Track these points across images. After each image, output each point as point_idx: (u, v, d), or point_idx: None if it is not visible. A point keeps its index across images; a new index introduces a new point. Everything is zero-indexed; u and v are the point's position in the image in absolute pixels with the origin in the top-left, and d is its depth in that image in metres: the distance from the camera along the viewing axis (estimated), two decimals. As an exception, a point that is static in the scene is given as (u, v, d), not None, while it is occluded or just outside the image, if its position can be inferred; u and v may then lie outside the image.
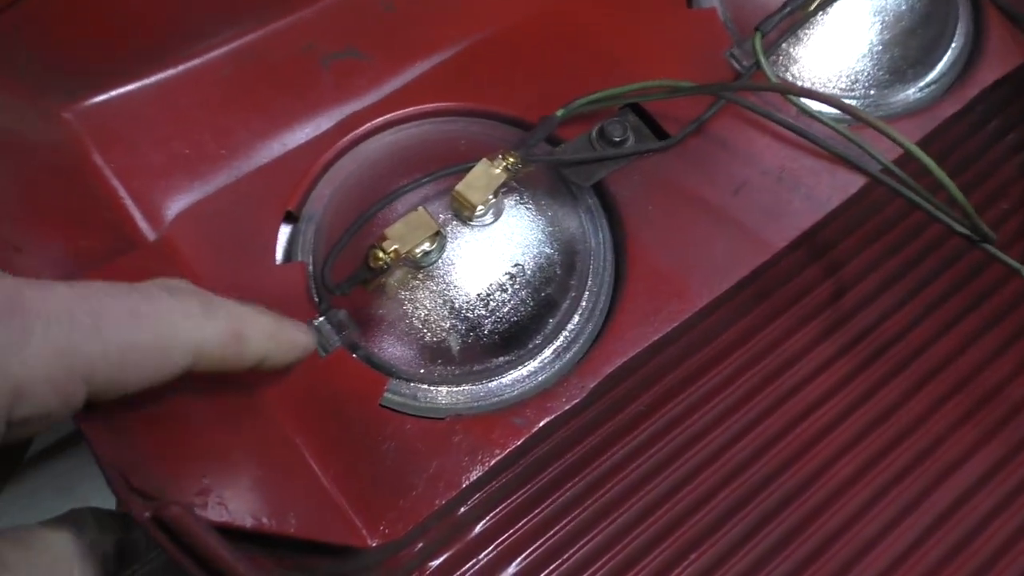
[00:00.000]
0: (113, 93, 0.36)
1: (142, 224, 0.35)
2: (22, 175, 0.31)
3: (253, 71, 0.38)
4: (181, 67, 0.37)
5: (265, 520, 0.27)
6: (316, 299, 0.33)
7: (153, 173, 0.35)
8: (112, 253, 0.32)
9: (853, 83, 0.38)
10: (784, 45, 0.38)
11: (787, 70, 0.38)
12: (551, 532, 0.38)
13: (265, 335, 0.26)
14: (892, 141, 0.28)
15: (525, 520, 0.39)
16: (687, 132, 0.36)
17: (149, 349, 0.22)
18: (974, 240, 0.31)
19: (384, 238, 0.31)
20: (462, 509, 0.39)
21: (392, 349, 0.32)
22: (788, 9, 0.36)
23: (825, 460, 0.38)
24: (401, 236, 0.31)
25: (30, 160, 0.32)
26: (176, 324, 0.23)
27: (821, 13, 0.38)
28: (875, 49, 0.38)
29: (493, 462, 0.31)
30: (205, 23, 0.38)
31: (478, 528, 0.38)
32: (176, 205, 0.35)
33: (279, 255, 0.35)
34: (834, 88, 0.38)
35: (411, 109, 0.37)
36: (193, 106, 0.37)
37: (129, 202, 0.35)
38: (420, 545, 0.37)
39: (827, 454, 0.38)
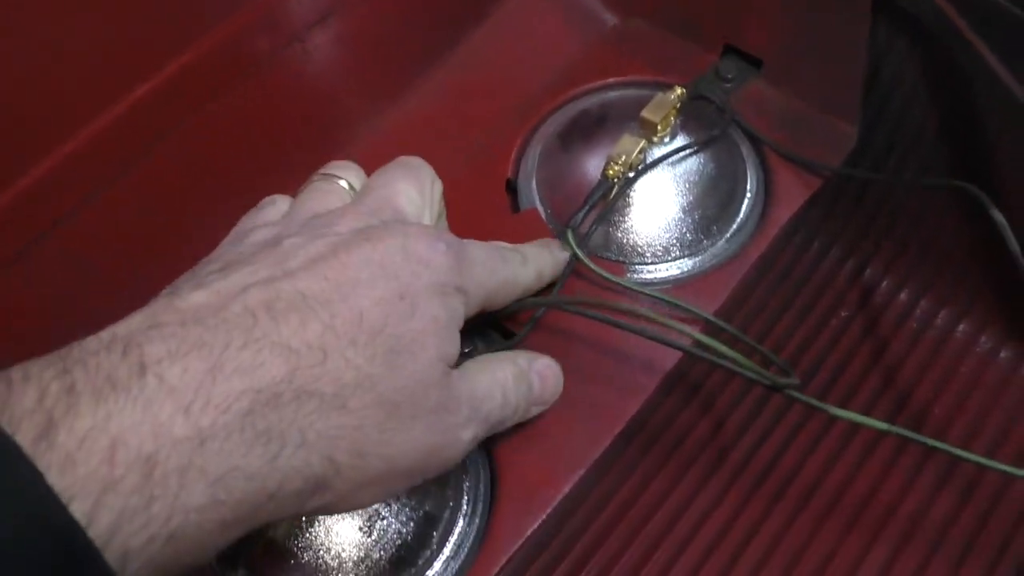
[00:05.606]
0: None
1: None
2: None
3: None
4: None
5: None
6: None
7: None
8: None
9: (667, 249, 0.43)
10: (600, 229, 0.43)
11: (607, 250, 0.43)
12: None
13: (551, 268, 0.39)
14: (679, 332, 0.33)
15: None
16: (524, 333, 0.40)
17: (507, 286, 0.36)
18: (780, 388, 0.34)
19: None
20: None
21: (294, 597, 0.35)
22: (588, 205, 0.41)
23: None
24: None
25: None
26: (517, 272, 0.36)
27: (625, 197, 0.43)
28: (678, 216, 0.43)
29: None
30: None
31: None
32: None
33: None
34: (651, 257, 0.43)
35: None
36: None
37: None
38: None
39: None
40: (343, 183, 0.35)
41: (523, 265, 0.37)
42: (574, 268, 0.41)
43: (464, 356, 0.36)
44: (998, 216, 0.39)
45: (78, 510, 0.20)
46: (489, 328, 0.41)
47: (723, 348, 0.32)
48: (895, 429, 0.35)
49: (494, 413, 0.33)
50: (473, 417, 0.32)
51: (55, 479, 0.20)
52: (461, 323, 0.31)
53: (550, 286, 0.40)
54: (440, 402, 0.29)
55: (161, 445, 0.22)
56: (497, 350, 0.39)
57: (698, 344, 0.34)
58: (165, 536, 0.22)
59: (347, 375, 0.26)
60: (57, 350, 0.24)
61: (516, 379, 0.35)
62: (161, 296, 0.27)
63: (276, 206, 0.35)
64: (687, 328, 0.34)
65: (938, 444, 0.35)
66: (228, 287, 0.27)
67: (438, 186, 0.36)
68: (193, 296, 0.26)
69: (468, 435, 0.31)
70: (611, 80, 0.50)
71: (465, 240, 0.34)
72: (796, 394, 0.34)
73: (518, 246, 0.38)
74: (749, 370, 0.33)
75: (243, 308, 0.26)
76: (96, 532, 0.21)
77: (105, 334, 0.24)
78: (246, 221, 0.35)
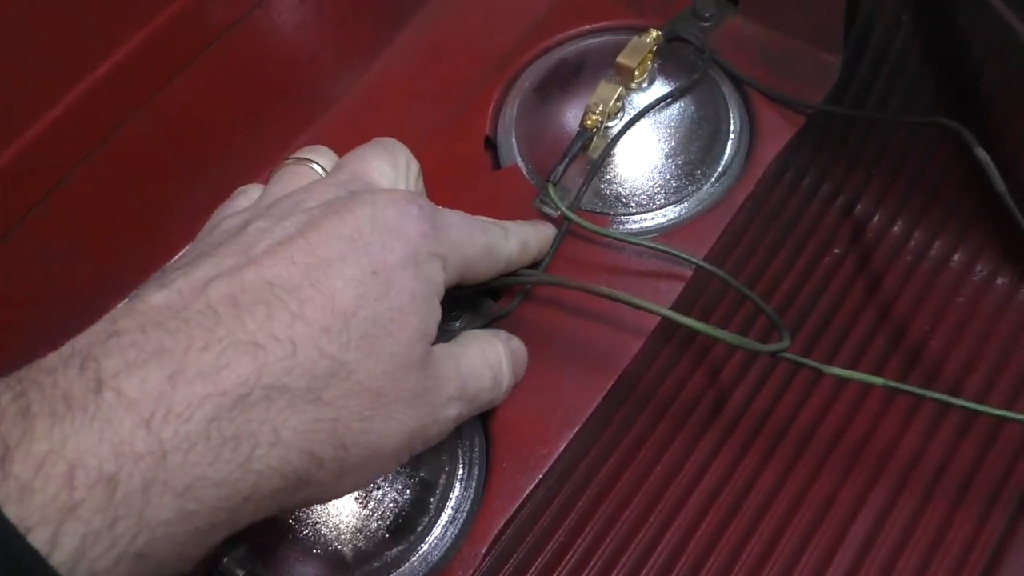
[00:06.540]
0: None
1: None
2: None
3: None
4: None
5: None
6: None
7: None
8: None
9: (652, 197, 0.42)
10: (582, 181, 0.42)
11: (590, 203, 0.42)
12: None
13: (536, 240, 0.38)
14: (646, 311, 0.33)
15: None
16: (514, 306, 0.39)
17: (488, 254, 0.34)
18: (776, 353, 0.34)
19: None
20: None
21: (293, 570, 0.35)
22: (567, 158, 0.40)
23: (733, 548, 0.40)
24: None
25: None
26: (498, 243, 0.35)
27: (605, 148, 0.42)
28: (661, 164, 0.42)
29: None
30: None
31: None
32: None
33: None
34: (635, 207, 0.42)
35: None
36: None
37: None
38: None
39: (733, 543, 0.40)
40: (315, 166, 0.34)
41: (505, 237, 0.36)
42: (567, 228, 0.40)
43: (451, 325, 0.36)
44: (982, 155, 0.38)
45: (39, 539, 0.20)
46: (483, 296, 0.40)
47: (698, 325, 0.32)
48: (890, 383, 0.34)
49: (483, 395, 0.33)
50: (458, 396, 0.31)
51: (13, 509, 0.20)
52: (441, 291, 0.31)
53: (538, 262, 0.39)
54: (422, 383, 0.29)
55: (123, 464, 0.21)
56: (488, 324, 0.39)
57: (672, 321, 0.34)
58: (133, 554, 0.21)
59: (320, 366, 0.25)
60: (16, 371, 0.22)
61: (508, 359, 0.35)
62: (126, 300, 0.26)
63: (248, 195, 0.34)
64: (657, 307, 0.34)
65: (927, 393, 0.35)
66: (190, 284, 0.25)
67: (414, 166, 0.35)
68: (154, 298, 0.25)
69: (452, 413, 0.31)
70: (587, 27, 0.49)
71: (441, 208, 0.32)
72: (786, 355, 0.33)
73: (501, 221, 0.37)
74: (733, 340, 0.33)
75: (205, 305, 0.24)
76: (59, 559, 0.20)
77: (65, 348, 0.23)
78: (218, 213, 0.33)
